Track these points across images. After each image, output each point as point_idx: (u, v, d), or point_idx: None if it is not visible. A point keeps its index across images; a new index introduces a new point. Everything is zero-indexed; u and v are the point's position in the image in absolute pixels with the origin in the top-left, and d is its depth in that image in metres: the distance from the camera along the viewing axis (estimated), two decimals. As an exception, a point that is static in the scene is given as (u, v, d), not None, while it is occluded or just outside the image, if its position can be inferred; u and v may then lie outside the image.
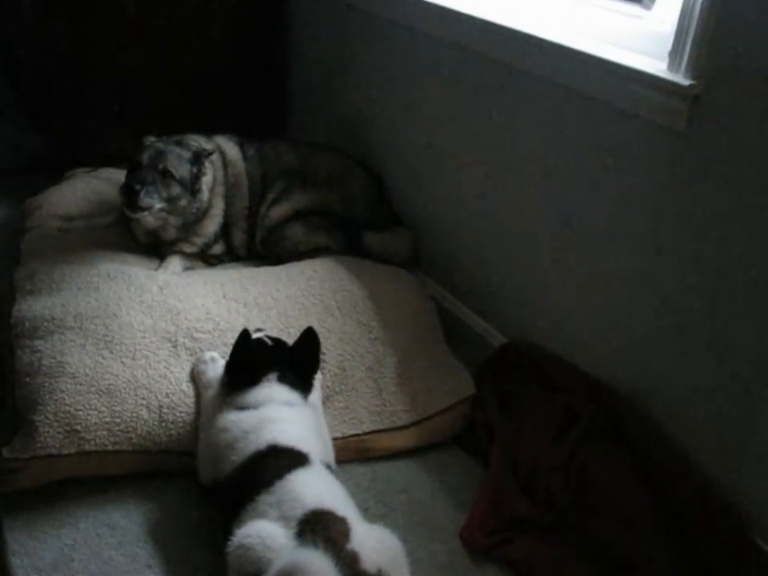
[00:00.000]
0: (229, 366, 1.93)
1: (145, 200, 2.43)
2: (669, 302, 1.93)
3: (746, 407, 1.79)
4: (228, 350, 2.02)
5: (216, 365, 2.02)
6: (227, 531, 1.60)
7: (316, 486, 1.66)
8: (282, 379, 1.89)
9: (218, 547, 1.76)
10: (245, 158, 2.77)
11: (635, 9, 1.98)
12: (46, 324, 2.04)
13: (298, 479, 1.65)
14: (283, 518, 1.56)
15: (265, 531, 1.53)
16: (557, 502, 1.90)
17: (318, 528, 1.52)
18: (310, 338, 1.96)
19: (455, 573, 1.80)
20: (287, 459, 1.70)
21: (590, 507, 1.87)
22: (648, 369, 2.02)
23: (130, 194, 2.43)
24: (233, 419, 1.82)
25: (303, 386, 1.93)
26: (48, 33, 3.11)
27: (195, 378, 2.02)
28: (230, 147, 2.77)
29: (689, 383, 1.91)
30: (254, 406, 1.83)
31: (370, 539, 1.56)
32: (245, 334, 1.90)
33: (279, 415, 1.81)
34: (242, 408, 1.84)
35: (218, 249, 2.70)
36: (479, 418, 2.17)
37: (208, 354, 2.05)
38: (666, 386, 1.98)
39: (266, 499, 1.61)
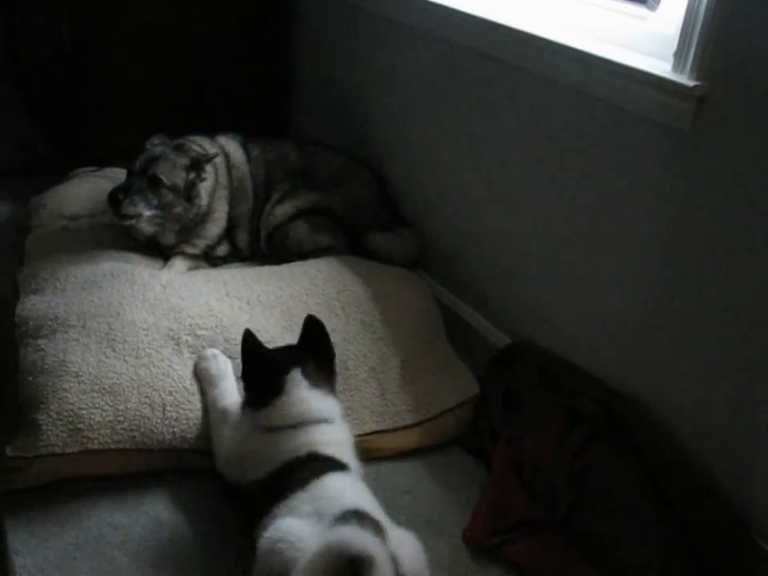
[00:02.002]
0: (246, 377, 1.86)
1: (128, 208, 2.42)
2: (673, 304, 1.93)
3: (748, 408, 1.79)
4: (230, 346, 2.03)
5: (218, 361, 2.01)
6: (252, 528, 1.59)
7: (353, 489, 1.65)
8: (306, 374, 1.81)
9: (222, 547, 1.78)
10: (249, 159, 2.76)
11: (640, 10, 1.97)
12: (49, 323, 2.05)
13: (336, 481, 1.64)
14: (317, 514, 1.54)
15: (296, 529, 1.51)
16: (560, 502, 1.89)
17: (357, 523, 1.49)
18: (313, 325, 1.90)
19: (458, 573, 1.80)
20: (326, 464, 1.69)
21: (594, 508, 1.87)
22: (651, 370, 2.01)
23: (111, 202, 2.42)
24: (266, 441, 1.76)
25: (328, 376, 1.88)
26: (53, 33, 3.12)
27: (198, 375, 2.01)
28: (234, 149, 2.77)
29: (692, 385, 1.91)
30: (288, 425, 1.76)
31: (405, 545, 1.55)
32: (248, 334, 1.84)
33: (317, 436, 1.76)
34: (273, 429, 1.77)
35: (222, 250, 2.70)
36: (483, 419, 2.17)
37: (209, 351, 2.04)
38: (670, 387, 1.97)
39: (301, 496, 1.59)
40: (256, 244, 2.75)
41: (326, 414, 1.81)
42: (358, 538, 1.39)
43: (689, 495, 1.84)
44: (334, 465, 1.69)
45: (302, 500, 1.58)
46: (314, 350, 1.88)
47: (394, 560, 1.46)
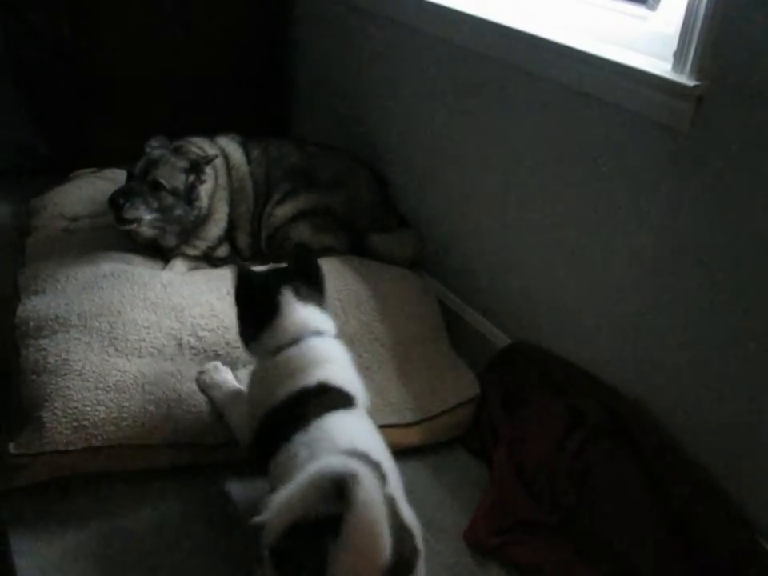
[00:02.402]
0: (241, 309, 1.84)
1: (130, 212, 2.42)
2: (674, 305, 1.93)
3: (750, 409, 1.79)
4: (231, 349, 2.04)
5: (219, 370, 2.03)
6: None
7: (353, 430, 1.61)
8: (298, 293, 1.79)
9: (226, 547, 1.79)
10: (249, 160, 2.76)
11: (640, 10, 1.97)
12: (50, 323, 2.05)
13: (338, 420, 1.61)
14: (313, 458, 1.49)
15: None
16: (561, 503, 1.89)
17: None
18: (302, 253, 1.91)
19: (459, 573, 1.80)
20: (332, 397, 1.67)
21: (595, 509, 1.87)
22: (652, 371, 2.01)
23: (113, 206, 2.42)
24: (272, 369, 1.75)
25: (319, 296, 1.85)
26: (53, 34, 3.12)
27: (202, 386, 2.01)
28: (234, 149, 2.77)
29: (693, 386, 1.91)
30: (289, 342, 1.74)
31: (400, 493, 1.52)
32: (238, 270, 1.83)
33: (320, 353, 1.75)
34: (275, 351, 1.75)
35: (222, 251, 2.70)
36: (484, 419, 2.17)
37: (210, 364, 2.05)
38: (671, 388, 1.97)
39: (301, 439, 1.55)
40: (256, 245, 2.75)
41: (323, 326, 1.80)
42: (339, 461, 1.37)
43: (690, 495, 1.84)
44: (339, 399, 1.67)
45: (301, 442, 1.55)
46: (303, 274, 1.86)
47: (392, 502, 1.40)
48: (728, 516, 1.81)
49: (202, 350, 2.06)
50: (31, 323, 2.07)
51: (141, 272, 2.28)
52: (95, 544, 1.77)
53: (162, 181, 2.46)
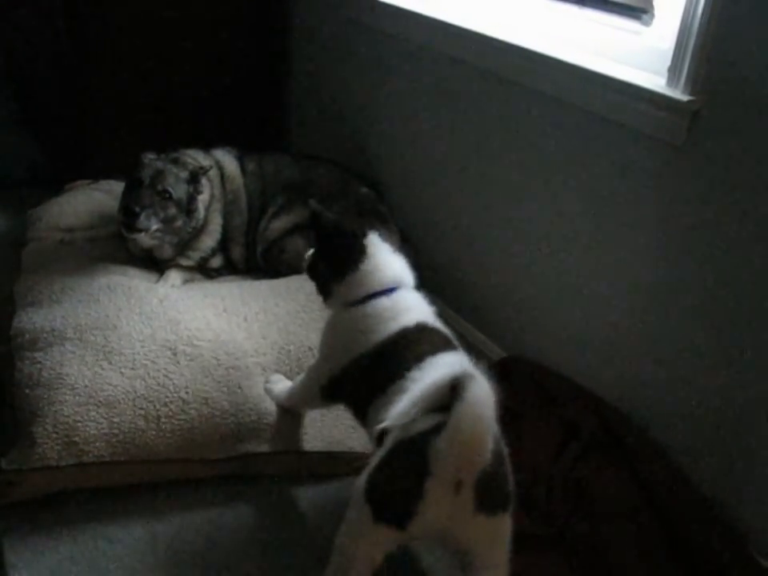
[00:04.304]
0: (322, 252, 1.78)
1: (143, 222, 2.43)
2: (668, 318, 1.93)
3: (745, 422, 1.79)
4: (229, 359, 2.04)
5: (283, 382, 2.06)
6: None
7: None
8: (383, 239, 1.75)
9: (219, 560, 1.78)
10: (244, 172, 2.77)
11: (634, 25, 1.99)
12: (45, 335, 2.05)
13: (449, 359, 1.55)
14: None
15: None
16: (556, 515, 1.89)
17: None
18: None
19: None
20: (438, 338, 1.64)
21: (589, 520, 1.87)
22: (646, 384, 2.02)
23: (128, 215, 2.42)
24: (358, 314, 1.70)
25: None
26: (50, 44, 3.13)
27: (269, 394, 2.05)
28: (229, 162, 2.77)
29: (687, 398, 1.91)
30: (380, 293, 1.70)
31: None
32: (317, 211, 1.76)
33: (412, 303, 1.71)
34: (364, 300, 1.70)
35: (216, 262, 2.70)
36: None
37: (275, 376, 2.09)
38: (665, 400, 1.98)
39: (415, 376, 1.48)
40: (252, 257, 2.75)
41: (408, 277, 1.76)
42: (459, 367, 1.36)
43: (685, 508, 1.84)
44: (445, 341, 1.64)
45: (416, 379, 1.48)
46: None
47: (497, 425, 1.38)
48: (722, 528, 1.81)
49: (198, 357, 2.05)
50: (27, 335, 2.07)
51: (137, 285, 2.28)
52: (88, 557, 1.77)
53: (171, 190, 2.47)
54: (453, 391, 1.29)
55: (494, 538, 1.45)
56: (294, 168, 2.81)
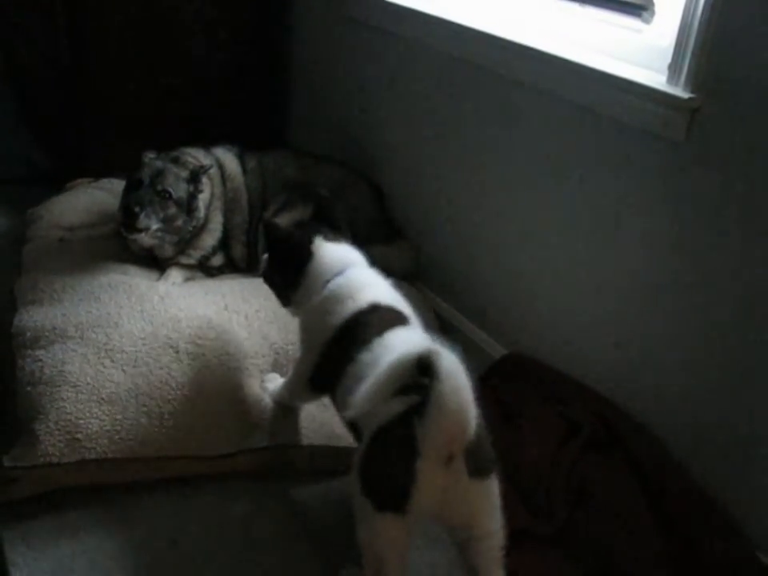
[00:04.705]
0: (275, 263, 1.89)
1: (143, 222, 2.42)
2: (669, 315, 1.93)
3: (748, 420, 1.79)
4: (231, 357, 2.05)
5: (278, 380, 2.09)
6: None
7: (416, 340, 1.55)
8: (328, 238, 1.85)
9: (221, 558, 1.79)
10: (244, 171, 2.77)
11: (635, 23, 1.99)
12: (47, 334, 2.05)
13: (398, 334, 1.61)
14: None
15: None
16: (557, 513, 1.89)
17: None
18: (323, 202, 2.00)
19: (455, 583, 1.79)
20: (390, 316, 1.68)
21: (590, 518, 1.87)
22: (647, 382, 2.02)
23: (128, 215, 2.42)
24: (318, 303, 1.78)
25: (344, 238, 1.91)
26: (51, 45, 3.13)
27: (266, 392, 2.07)
28: (230, 160, 2.77)
29: (689, 396, 1.92)
30: (331, 277, 1.78)
31: None
32: (270, 225, 1.91)
33: (364, 280, 1.79)
34: (320, 289, 1.78)
35: (217, 260, 2.70)
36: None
37: (270, 375, 2.12)
38: (665, 399, 1.98)
39: (364, 358, 1.56)
40: (253, 255, 2.75)
41: (358, 258, 1.85)
42: (418, 344, 1.38)
43: (687, 506, 1.84)
44: (394, 317, 1.68)
45: (366, 362, 1.54)
46: (326, 223, 1.93)
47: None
48: (725, 528, 1.81)
49: (201, 356, 2.05)
50: (28, 333, 2.07)
51: (138, 283, 2.28)
52: (89, 555, 1.76)
53: (171, 190, 2.47)
54: (422, 369, 1.32)
55: (490, 502, 1.48)
56: (295, 166, 2.80)
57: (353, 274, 1.80)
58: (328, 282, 1.78)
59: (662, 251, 1.93)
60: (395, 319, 1.68)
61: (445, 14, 2.45)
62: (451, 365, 1.30)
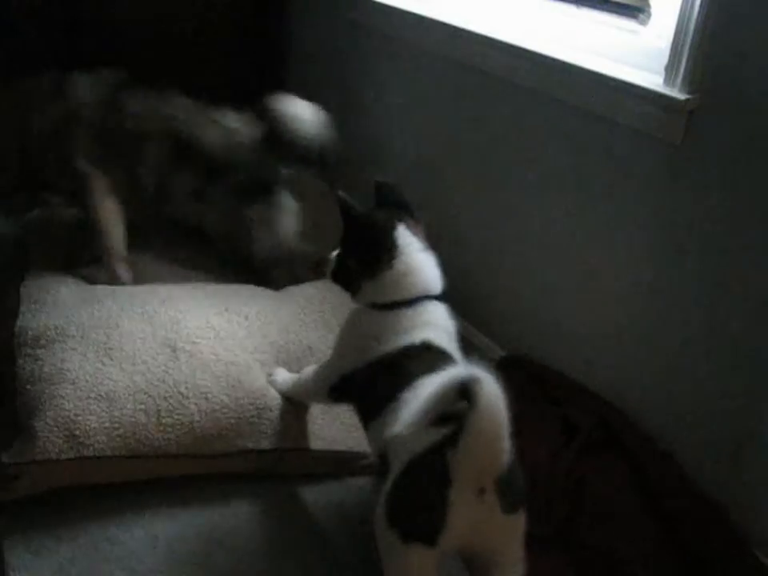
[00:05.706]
0: (347, 245, 1.73)
1: None
2: (667, 316, 1.93)
3: (748, 421, 1.79)
4: (228, 355, 2.05)
5: (286, 373, 2.07)
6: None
7: None
8: (412, 231, 1.70)
9: (221, 560, 1.79)
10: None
11: (631, 24, 1.99)
12: (48, 333, 2.06)
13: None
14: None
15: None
16: (556, 514, 1.89)
17: None
18: (384, 187, 1.79)
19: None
20: (438, 359, 1.57)
21: (589, 519, 1.87)
22: (647, 383, 2.02)
23: None
24: (378, 318, 1.67)
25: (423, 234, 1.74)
26: (50, 44, 3.13)
27: (273, 385, 2.06)
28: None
29: (688, 397, 1.92)
30: (406, 303, 1.65)
31: None
32: (342, 199, 1.68)
33: (432, 317, 1.66)
34: (389, 307, 1.66)
35: None
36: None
37: (278, 369, 2.10)
38: (666, 399, 1.98)
39: (408, 398, 1.45)
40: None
41: (436, 284, 1.72)
42: (462, 369, 1.32)
43: (686, 507, 1.84)
44: (445, 361, 1.57)
45: (407, 401, 1.45)
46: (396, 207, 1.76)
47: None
48: (724, 528, 1.81)
49: (198, 354, 2.05)
50: (30, 332, 2.08)
51: (140, 287, 2.32)
52: (89, 558, 1.76)
53: None
54: (462, 397, 1.27)
55: (517, 535, 1.46)
56: None
57: (423, 309, 1.66)
58: (399, 305, 1.66)
59: (660, 252, 1.93)
60: (442, 363, 1.55)
61: (444, 18, 2.46)
62: (491, 393, 1.26)
